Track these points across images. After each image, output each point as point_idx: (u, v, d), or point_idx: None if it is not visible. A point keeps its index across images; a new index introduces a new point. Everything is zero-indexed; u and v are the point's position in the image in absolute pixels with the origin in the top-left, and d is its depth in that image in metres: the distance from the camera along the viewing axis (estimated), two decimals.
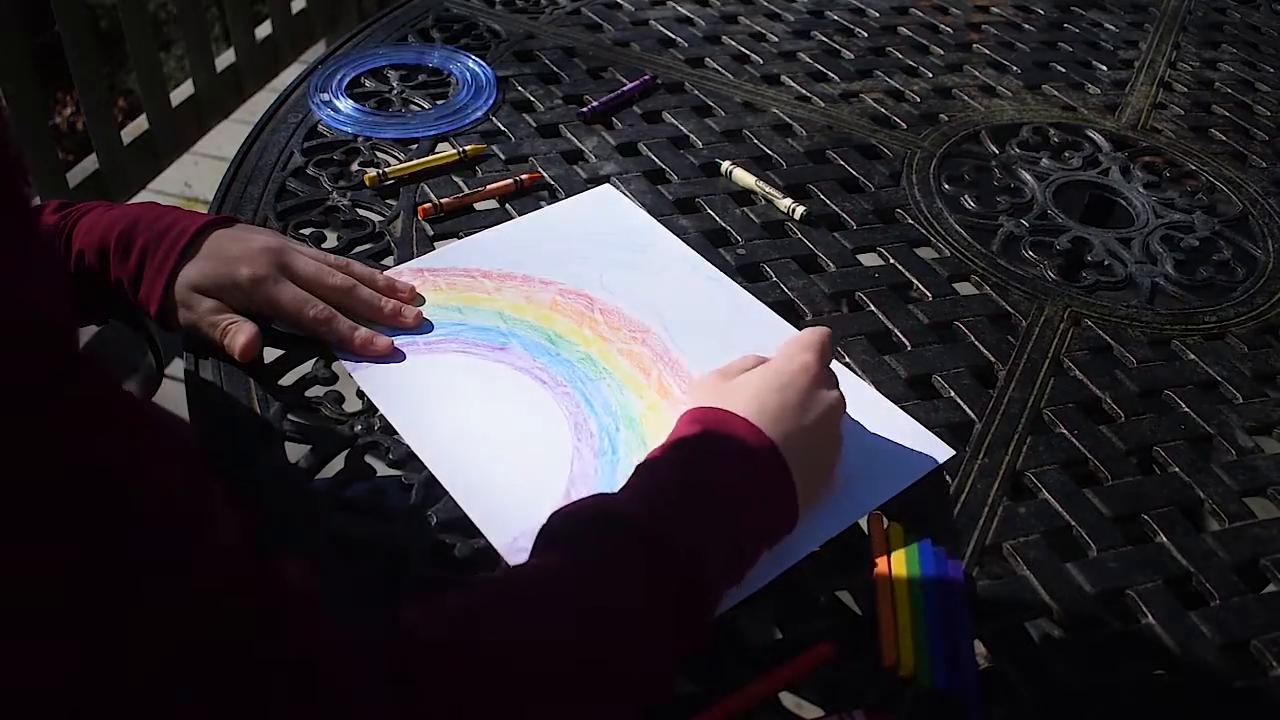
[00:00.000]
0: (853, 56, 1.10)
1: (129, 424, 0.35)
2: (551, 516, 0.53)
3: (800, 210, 0.86)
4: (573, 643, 0.47)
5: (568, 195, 0.86)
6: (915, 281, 0.81)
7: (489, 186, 0.85)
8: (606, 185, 0.87)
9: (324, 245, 0.78)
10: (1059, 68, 1.11)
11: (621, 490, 0.55)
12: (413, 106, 0.95)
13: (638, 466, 0.57)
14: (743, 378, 0.61)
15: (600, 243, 0.81)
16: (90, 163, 1.72)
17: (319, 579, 0.41)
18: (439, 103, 0.95)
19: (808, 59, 1.08)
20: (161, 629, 0.34)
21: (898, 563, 0.60)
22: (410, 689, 0.40)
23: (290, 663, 0.37)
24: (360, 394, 0.68)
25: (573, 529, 0.52)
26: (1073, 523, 0.64)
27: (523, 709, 0.45)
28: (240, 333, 0.67)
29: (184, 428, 0.40)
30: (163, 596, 0.34)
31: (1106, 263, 0.86)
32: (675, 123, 0.96)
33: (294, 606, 0.39)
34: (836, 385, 0.63)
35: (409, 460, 0.64)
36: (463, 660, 0.43)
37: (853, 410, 0.69)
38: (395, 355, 0.70)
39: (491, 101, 0.96)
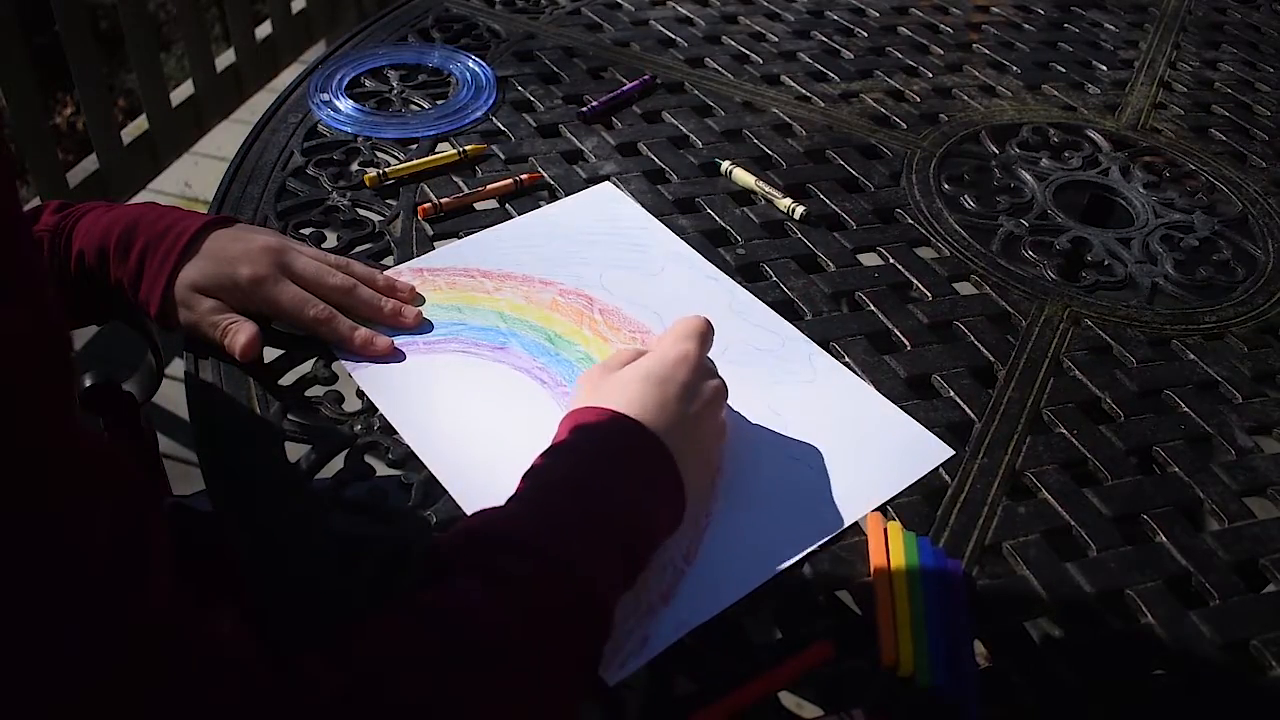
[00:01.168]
0: (853, 56, 1.10)
1: (58, 481, 0.36)
2: (439, 539, 0.53)
3: (800, 210, 0.86)
4: (470, 677, 0.46)
5: (568, 195, 0.86)
6: (915, 281, 0.81)
7: (489, 186, 0.85)
8: (606, 184, 0.87)
9: (324, 245, 0.78)
10: (1059, 68, 1.11)
11: (508, 502, 0.54)
12: (413, 106, 0.95)
13: (524, 474, 0.56)
14: (624, 372, 0.60)
15: (600, 242, 0.81)
16: (90, 163, 1.72)
17: (250, 631, 0.42)
18: (439, 103, 0.95)
19: (808, 59, 1.08)
20: (79, 678, 0.36)
21: (897, 562, 0.60)
22: None
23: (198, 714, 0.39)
24: (360, 394, 0.68)
25: (464, 552, 0.51)
26: (1072, 522, 0.64)
27: None
28: (240, 333, 0.67)
29: (126, 473, 0.41)
30: (82, 649, 0.36)
31: (1106, 263, 0.86)
32: (675, 122, 0.96)
33: (210, 664, 0.40)
34: (717, 373, 0.63)
35: (409, 460, 0.64)
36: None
37: (852, 410, 0.70)
38: (395, 355, 0.70)
39: (491, 101, 0.96)
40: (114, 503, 0.39)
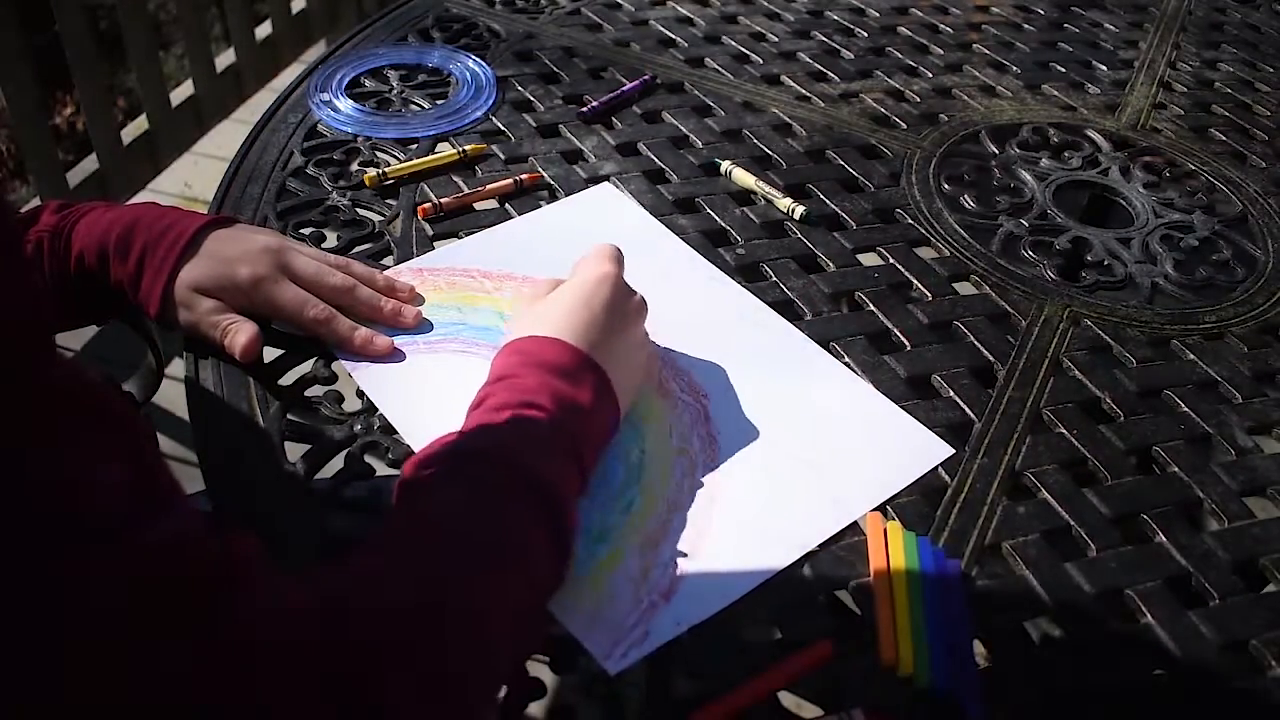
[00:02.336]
0: (852, 56, 1.10)
1: (67, 427, 0.37)
2: (409, 465, 0.55)
3: (800, 210, 0.86)
4: (465, 578, 0.49)
5: (568, 195, 0.86)
6: (915, 281, 0.81)
7: (489, 186, 0.85)
8: (606, 184, 0.87)
9: (324, 245, 0.78)
10: (1059, 68, 1.11)
11: (462, 429, 0.58)
12: (412, 106, 0.95)
13: (470, 405, 0.59)
14: (549, 299, 0.64)
15: (600, 242, 0.81)
16: (90, 163, 1.72)
17: (264, 549, 0.43)
18: (439, 102, 0.95)
19: (807, 59, 1.08)
20: (116, 595, 0.36)
21: (896, 562, 0.60)
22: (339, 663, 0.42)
23: (240, 625, 0.39)
24: (360, 393, 0.68)
25: (439, 463, 0.54)
26: (1072, 522, 0.64)
27: (446, 649, 0.47)
28: (240, 333, 0.67)
29: (134, 421, 0.42)
30: (115, 565, 0.36)
31: (1106, 262, 0.86)
32: (675, 122, 0.96)
33: (244, 576, 0.41)
34: (634, 291, 0.67)
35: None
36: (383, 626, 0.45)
37: (852, 410, 0.70)
38: (395, 355, 0.70)
39: (491, 101, 0.96)
40: (124, 438, 0.39)
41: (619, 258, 0.67)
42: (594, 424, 0.60)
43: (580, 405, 0.59)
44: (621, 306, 0.64)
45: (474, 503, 0.52)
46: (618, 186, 0.87)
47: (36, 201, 1.67)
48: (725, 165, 0.90)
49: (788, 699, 0.55)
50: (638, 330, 0.66)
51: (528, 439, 0.56)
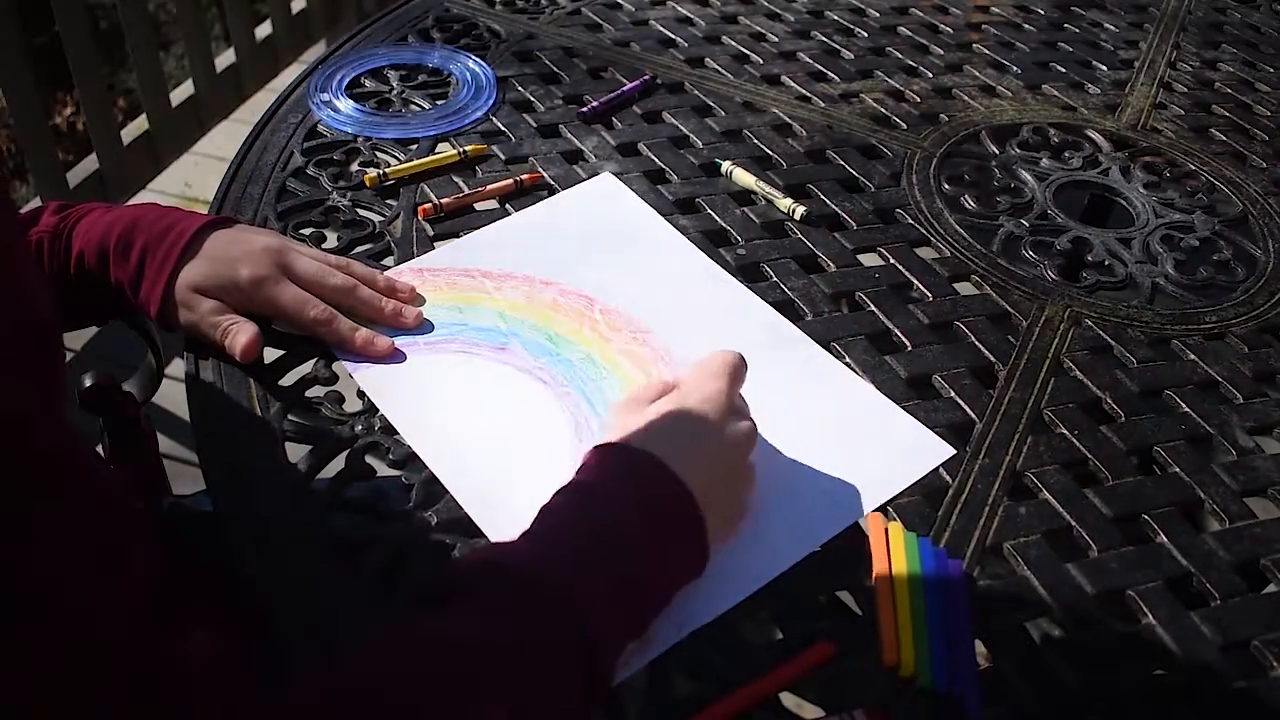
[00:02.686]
0: (853, 56, 1.10)
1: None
2: (447, 565, 0.52)
3: (800, 210, 0.86)
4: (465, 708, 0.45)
5: None
6: (915, 281, 0.81)
7: (489, 187, 0.85)
8: (607, 174, 0.87)
9: (324, 245, 0.78)
10: (1059, 68, 1.11)
11: (520, 538, 0.53)
12: (413, 106, 0.95)
13: (541, 509, 0.55)
14: (651, 409, 0.58)
15: (601, 241, 0.81)
16: (90, 163, 1.72)
17: (225, 643, 0.41)
18: (439, 103, 0.95)
19: (808, 59, 1.08)
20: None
21: (898, 562, 0.60)
22: None
23: None
24: (361, 394, 0.68)
25: (465, 579, 0.50)
26: (1073, 523, 0.64)
27: None
28: (241, 334, 0.67)
29: (103, 483, 0.41)
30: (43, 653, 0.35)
31: (1107, 263, 0.86)
32: (675, 123, 0.96)
33: (177, 680, 0.39)
34: (748, 414, 0.61)
35: (409, 461, 0.64)
36: None
37: (853, 410, 0.69)
38: (396, 356, 0.70)
39: (492, 101, 0.96)
40: (76, 514, 0.38)
41: (735, 372, 0.61)
42: (674, 560, 0.54)
43: (658, 536, 0.53)
44: (726, 432, 0.58)
45: (508, 637, 0.48)
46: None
47: (37, 201, 1.67)
48: (726, 165, 0.90)
49: (788, 699, 0.55)
50: (742, 463, 0.60)
51: (587, 574, 0.50)
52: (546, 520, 0.54)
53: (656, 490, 0.54)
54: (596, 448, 0.57)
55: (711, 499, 0.55)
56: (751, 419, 0.61)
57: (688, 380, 0.60)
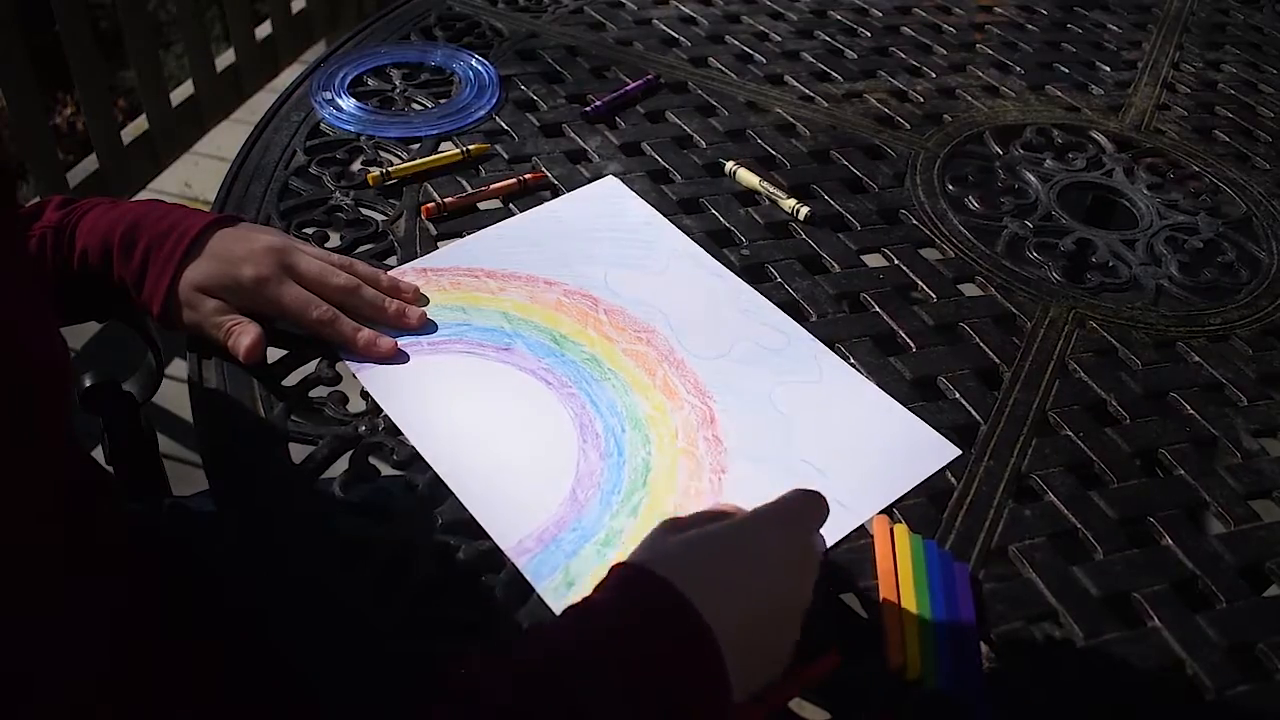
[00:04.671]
0: (856, 56, 1.09)
1: None
2: (447, 685, 0.46)
3: (804, 211, 0.85)
4: None
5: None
6: (920, 283, 0.81)
7: (492, 186, 0.85)
8: (611, 177, 0.87)
9: (327, 245, 0.78)
10: (1062, 68, 1.11)
11: (516, 656, 0.47)
12: (415, 105, 0.95)
13: (540, 636, 0.50)
14: (700, 536, 0.51)
15: (605, 241, 0.81)
16: (90, 163, 1.72)
17: None
18: (442, 101, 0.95)
19: (811, 59, 1.08)
20: None
21: (903, 564, 0.60)
22: None
23: None
24: (364, 394, 0.68)
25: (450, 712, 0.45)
26: (1078, 525, 0.64)
27: None
28: (245, 334, 0.67)
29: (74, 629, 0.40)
30: None
31: (1111, 264, 0.86)
32: (679, 122, 0.96)
33: None
34: (816, 566, 0.53)
35: (413, 461, 0.64)
36: None
37: (858, 412, 0.69)
38: (399, 357, 0.70)
39: (494, 100, 0.96)
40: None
41: (818, 514, 0.53)
42: (686, 713, 0.46)
43: (668, 691, 0.45)
44: (784, 585, 0.51)
45: None
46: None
47: (37, 200, 1.66)
48: (729, 165, 0.90)
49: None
50: (789, 619, 0.51)
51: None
52: (545, 651, 0.47)
53: (675, 635, 0.47)
54: (621, 567, 0.50)
55: (742, 650, 0.47)
56: (817, 569, 0.53)
57: (756, 513, 0.53)
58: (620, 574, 0.49)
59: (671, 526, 0.53)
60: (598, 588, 0.50)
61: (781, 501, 0.54)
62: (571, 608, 0.49)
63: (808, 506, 0.54)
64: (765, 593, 0.50)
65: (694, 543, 0.51)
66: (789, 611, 0.51)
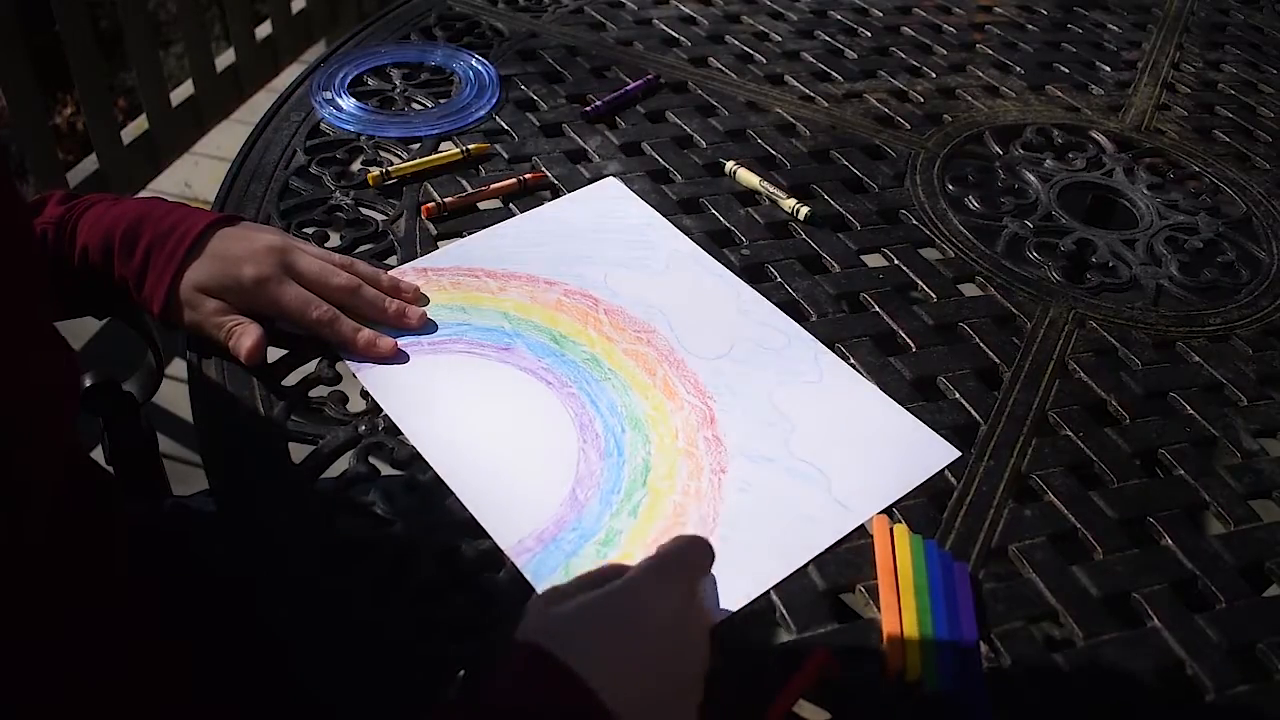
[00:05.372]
0: (856, 56, 1.09)
1: None
2: None
3: (804, 211, 0.85)
4: None
5: (571, 194, 0.86)
6: (919, 282, 0.81)
7: (492, 186, 0.85)
8: (611, 178, 0.87)
9: (327, 245, 0.78)
10: (1062, 68, 1.11)
11: None
12: (415, 105, 0.95)
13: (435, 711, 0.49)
14: (580, 608, 0.48)
15: (605, 241, 0.81)
16: (90, 163, 1.72)
17: None
18: (442, 101, 0.95)
19: (811, 59, 1.08)
20: None
21: (903, 565, 0.60)
22: None
23: None
24: (364, 394, 0.68)
25: None
26: (1078, 525, 0.64)
27: None
28: (246, 335, 0.67)
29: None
30: None
31: (1111, 264, 0.86)
32: (679, 122, 0.96)
33: None
34: (703, 619, 0.52)
35: (413, 461, 0.64)
36: None
37: (858, 412, 0.69)
38: (399, 356, 0.70)
39: (494, 100, 0.96)
40: None
41: (699, 568, 0.52)
42: None
43: None
44: (679, 643, 0.49)
45: None
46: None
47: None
48: (729, 165, 0.90)
49: None
50: (693, 678, 0.50)
51: None
52: None
53: (561, 704, 0.45)
54: (509, 651, 0.48)
55: (643, 708, 0.46)
56: (709, 621, 0.52)
57: (635, 574, 0.50)
58: (521, 658, 0.47)
59: (552, 596, 0.50)
60: (496, 668, 0.47)
61: (660, 554, 0.52)
62: (467, 696, 0.46)
63: (687, 554, 0.52)
64: (654, 660, 0.48)
65: (576, 616, 0.48)
66: (682, 676, 0.49)
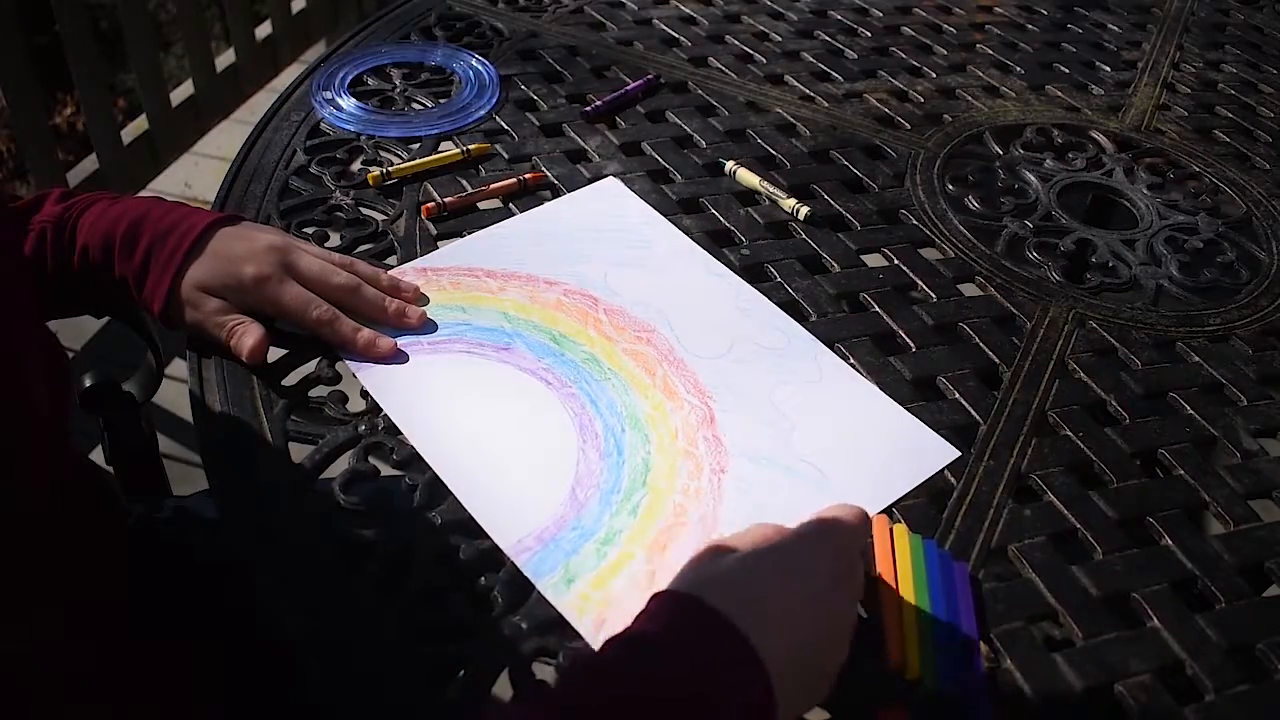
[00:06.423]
0: (856, 56, 1.09)
1: None
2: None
3: (804, 211, 0.85)
4: None
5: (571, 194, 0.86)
6: (919, 282, 0.81)
7: (492, 185, 0.85)
8: (611, 178, 0.87)
9: (327, 244, 0.78)
10: (1062, 68, 1.11)
11: (576, 696, 0.46)
12: (415, 105, 0.95)
13: (583, 660, 0.50)
14: (743, 559, 0.50)
15: (605, 241, 0.81)
16: (90, 163, 1.72)
17: None
18: (442, 101, 0.95)
19: (811, 59, 1.08)
20: None
21: (903, 564, 0.60)
22: None
23: None
24: (364, 394, 0.68)
25: None
26: (1078, 525, 0.64)
27: None
28: (248, 335, 0.67)
29: None
30: None
31: (1111, 264, 0.86)
32: (679, 122, 0.96)
33: None
34: (861, 585, 0.53)
35: (413, 461, 0.64)
36: None
37: (858, 412, 0.69)
38: (399, 356, 0.70)
39: (494, 100, 0.96)
40: None
41: (862, 530, 0.53)
42: None
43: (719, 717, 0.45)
44: (831, 606, 0.50)
45: None
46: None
47: None
48: (729, 165, 0.90)
49: None
50: (838, 639, 0.50)
51: None
52: (598, 683, 0.46)
53: (726, 660, 0.46)
54: (664, 595, 0.49)
55: (791, 673, 0.47)
56: (861, 588, 0.53)
57: (798, 534, 0.52)
58: (668, 602, 0.48)
59: (716, 550, 0.51)
60: (643, 615, 0.48)
61: (828, 518, 0.53)
62: (620, 639, 0.47)
63: (854, 523, 0.53)
64: (812, 616, 0.49)
65: (740, 567, 0.50)
66: (836, 633, 0.50)
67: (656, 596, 0.49)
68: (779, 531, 0.53)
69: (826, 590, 0.50)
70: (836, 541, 0.52)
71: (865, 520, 0.54)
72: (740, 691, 0.45)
